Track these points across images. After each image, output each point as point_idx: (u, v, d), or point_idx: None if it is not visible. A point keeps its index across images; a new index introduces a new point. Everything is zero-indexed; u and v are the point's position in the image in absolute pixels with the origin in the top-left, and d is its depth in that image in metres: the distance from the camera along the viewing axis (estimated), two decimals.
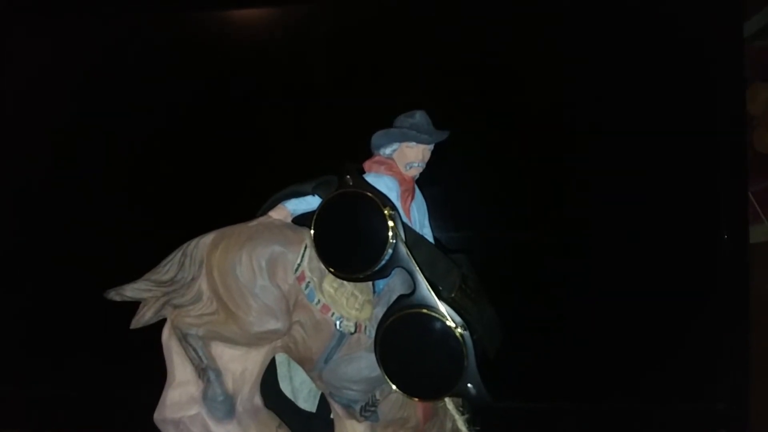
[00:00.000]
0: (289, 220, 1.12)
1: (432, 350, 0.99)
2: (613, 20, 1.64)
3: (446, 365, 0.98)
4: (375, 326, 1.05)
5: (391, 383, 1.01)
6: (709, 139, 1.61)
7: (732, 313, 1.60)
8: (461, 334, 0.97)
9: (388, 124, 1.14)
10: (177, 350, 1.09)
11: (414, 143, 1.11)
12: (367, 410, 1.10)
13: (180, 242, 1.10)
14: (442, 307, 0.99)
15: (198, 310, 1.08)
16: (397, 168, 1.12)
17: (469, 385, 0.98)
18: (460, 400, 1.17)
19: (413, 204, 1.15)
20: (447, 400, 1.16)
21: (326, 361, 1.08)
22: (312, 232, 1.04)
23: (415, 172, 1.13)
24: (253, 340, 1.07)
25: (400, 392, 1.02)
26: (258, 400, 1.14)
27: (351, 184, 1.04)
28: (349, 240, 1.03)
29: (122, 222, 1.76)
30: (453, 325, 0.98)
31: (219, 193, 1.70)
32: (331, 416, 1.18)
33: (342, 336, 1.07)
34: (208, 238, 1.10)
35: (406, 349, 1.01)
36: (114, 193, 1.78)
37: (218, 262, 1.06)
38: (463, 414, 1.16)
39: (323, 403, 1.20)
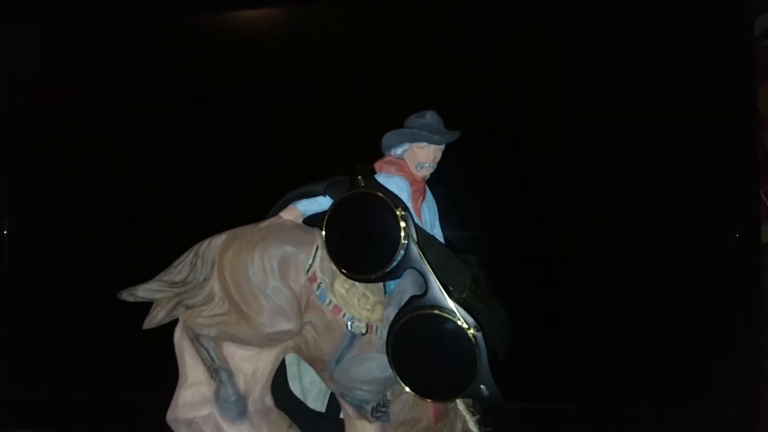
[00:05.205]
0: (300, 220, 1.13)
1: (444, 351, 1.00)
2: (622, 20, 1.63)
3: (459, 366, 0.98)
4: (386, 327, 1.05)
5: (403, 384, 1.02)
6: (720, 139, 1.60)
7: (743, 314, 1.59)
8: (474, 335, 0.97)
9: (399, 124, 1.15)
10: (189, 350, 1.10)
11: (425, 143, 1.11)
12: (379, 411, 1.10)
13: (192, 243, 1.11)
14: (455, 308, 0.99)
15: (210, 311, 1.09)
16: (408, 168, 1.12)
17: (481, 386, 0.98)
18: (470, 401, 1.17)
19: (424, 204, 1.15)
20: (458, 400, 1.16)
21: (337, 362, 1.08)
22: (323, 233, 1.04)
23: (426, 172, 1.13)
24: (264, 341, 1.07)
25: (413, 393, 1.02)
26: (269, 400, 1.14)
27: (362, 184, 1.04)
28: (361, 241, 1.04)
29: (135, 223, 1.77)
30: (465, 326, 0.98)
31: (230, 194, 1.70)
32: (341, 416, 1.18)
33: (353, 336, 1.07)
34: (219, 239, 1.10)
35: (419, 350, 1.01)
36: (127, 194, 1.79)
37: (230, 263, 1.06)
38: (474, 415, 1.16)
39: (333, 403, 1.20)
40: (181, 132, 1.78)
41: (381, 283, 1.10)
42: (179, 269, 1.09)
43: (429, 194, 1.18)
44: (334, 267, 1.05)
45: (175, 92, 1.78)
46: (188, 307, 1.10)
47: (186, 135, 1.78)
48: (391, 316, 1.05)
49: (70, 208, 1.81)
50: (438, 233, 1.18)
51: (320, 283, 1.06)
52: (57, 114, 1.84)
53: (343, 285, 1.07)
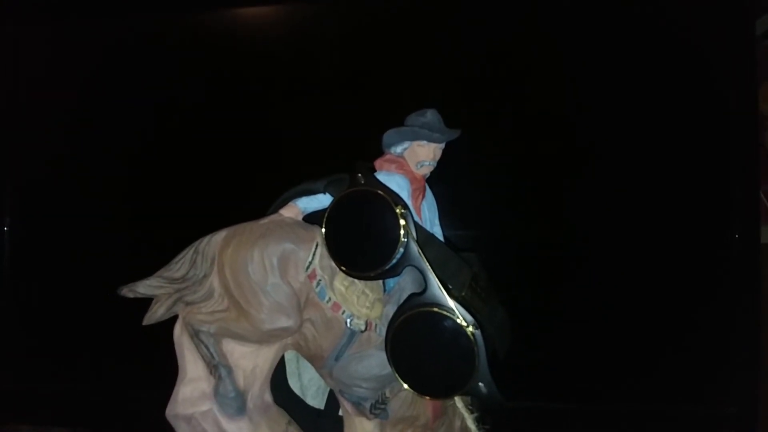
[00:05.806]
0: (300, 218, 1.13)
1: (443, 349, 1.00)
2: (622, 21, 1.64)
3: (458, 364, 0.98)
4: (385, 324, 1.05)
5: (401, 382, 1.02)
6: (720, 139, 1.60)
7: (743, 314, 1.59)
8: (473, 333, 0.97)
9: (399, 122, 1.15)
10: (189, 347, 1.10)
11: (425, 142, 1.11)
12: (377, 408, 1.10)
13: (192, 239, 1.11)
14: (454, 306, 0.99)
15: (210, 307, 1.09)
16: (408, 166, 1.12)
17: (480, 384, 0.98)
18: (469, 399, 1.17)
19: (424, 202, 1.15)
20: (456, 398, 1.16)
21: (337, 359, 1.08)
22: (323, 230, 1.04)
23: (426, 170, 1.13)
24: (264, 338, 1.07)
25: (411, 391, 1.02)
26: (268, 396, 1.14)
27: (362, 182, 1.04)
28: (361, 238, 1.04)
29: (135, 219, 1.77)
30: (464, 323, 0.98)
31: (231, 191, 1.71)
32: (340, 413, 1.18)
33: (352, 334, 1.07)
34: (219, 236, 1.10)
35: (417, 347, 1.01)
36: (127, 190, 1.79)
37: (230, 260, 1.06)
38: (472, 413, 1.16)
39: (332, 400, 1.20)
40: (182, 130, 1.79)
41: (380, 281, 1.10)
42: (179, 266, 1.09)
43: (429, 192, 1.18)
44: (333, 264, 1.05)
45: (175, 91, 1.79)
46: (188, 304, 1.10)
47: (186, 133, 1.78)
48: (390, 314, 1.05)
49: (70, 206, 1.82)
50: (438, 231, 1.18)
51: (320, 280, 1.06)
52: (57, 113, 1.85)
53: (342, 282, 1.07)
